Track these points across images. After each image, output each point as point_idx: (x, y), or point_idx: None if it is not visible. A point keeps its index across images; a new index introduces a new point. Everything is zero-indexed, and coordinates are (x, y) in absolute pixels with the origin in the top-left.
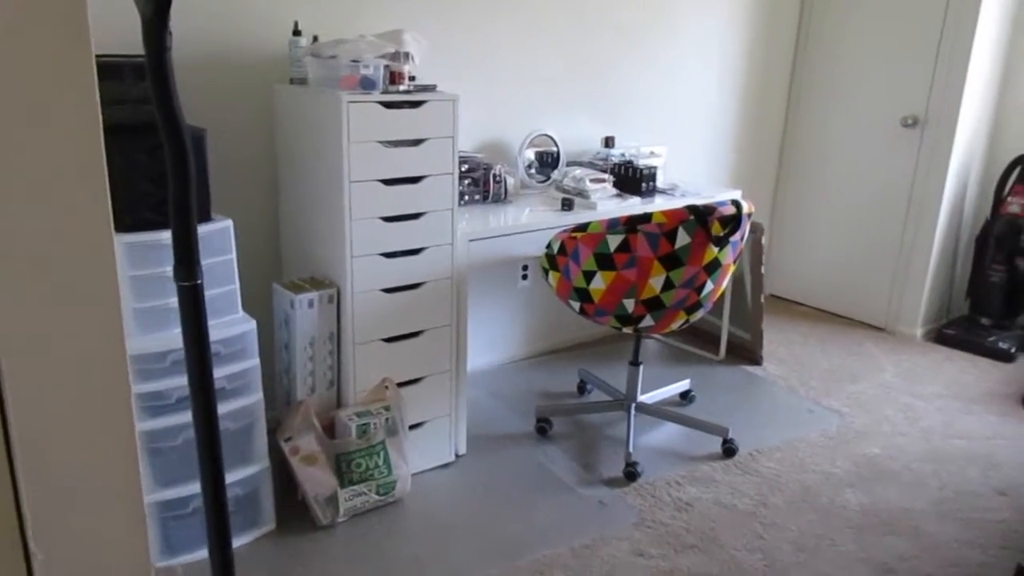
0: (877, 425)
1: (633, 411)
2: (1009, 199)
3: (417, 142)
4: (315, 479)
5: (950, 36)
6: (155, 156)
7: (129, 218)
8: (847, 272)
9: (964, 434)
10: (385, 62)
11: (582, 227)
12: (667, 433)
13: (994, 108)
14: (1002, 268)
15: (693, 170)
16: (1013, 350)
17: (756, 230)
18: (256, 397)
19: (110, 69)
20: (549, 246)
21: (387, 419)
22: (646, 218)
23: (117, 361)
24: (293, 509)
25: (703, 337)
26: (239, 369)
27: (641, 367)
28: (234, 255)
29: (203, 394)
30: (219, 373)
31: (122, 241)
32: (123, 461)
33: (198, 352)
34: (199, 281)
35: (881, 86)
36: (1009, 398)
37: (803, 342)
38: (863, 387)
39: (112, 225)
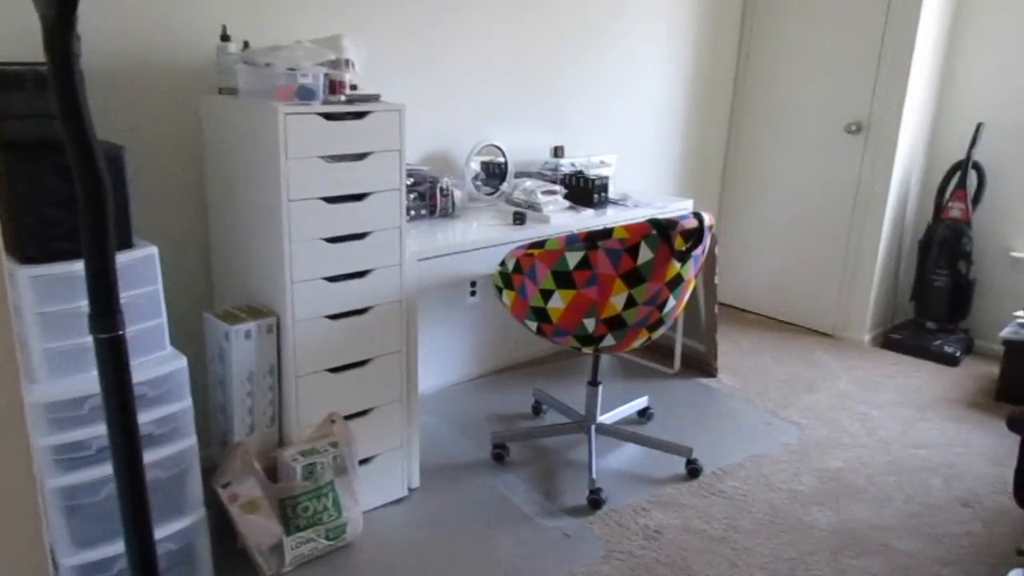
0: (837, 436)
1: (593, 434)
2: (950, 204)
3: (361, 156)
4: (257, 527)
5: (891, 43)
6: (65, 177)
7: (35, 248)
8: (794, 279)
9: (922, 443)
10: (325, 70)
11: (539, 244)
12: (628, 454)
13: (933, 114)
14: (945, 272)
15: (642, 179)
16: (958, 354)
17: (711, 240)
18: (189, 442)
19: (9, 79)
20: (503, 264)
21: (335, 457)
22: (607, 233)
23: (12, 410)
24: (233, 560)
25: (657, 350)
26: (168, 412)
27: (600, 387)
28: (160, 285)
29: (127, 460)
30: (146, 417)
31: (28, 274)
32: (25, 525)
33: (121, 413)
34: (121, 332)
35: (825, 93)
36: (958, 403)
37: (755, 351)
38: (819, 397)
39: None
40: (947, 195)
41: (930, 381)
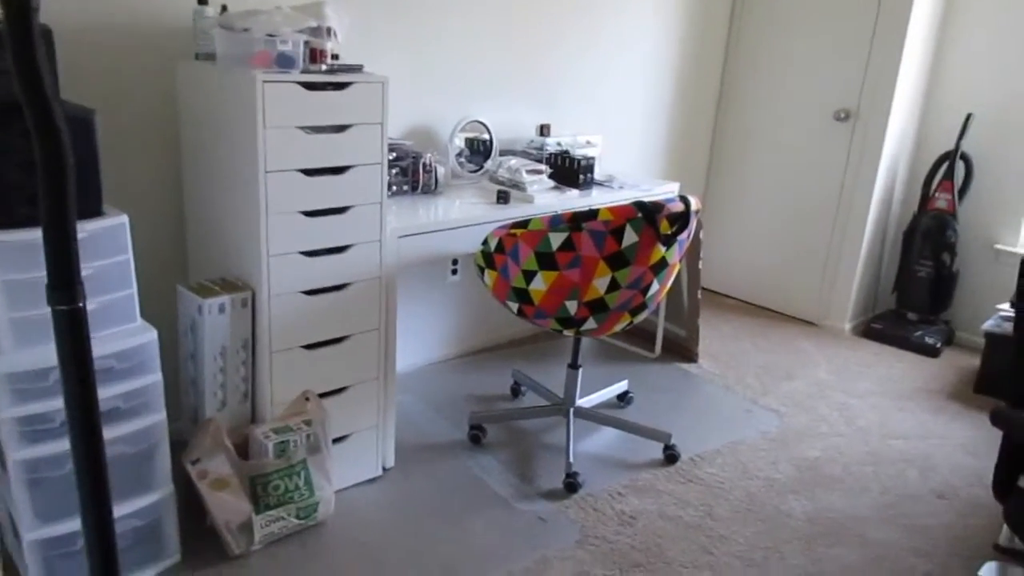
0: (815, 425)
1: (572, 417)
2: (936, 195)
3: (342, 128)
4: (226, 505)
5: (883, 29)
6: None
7: (1, 215)
8: (777, 266)
9: (899, 433)
10: (305, 37)
11: (522, 224)
12: (606, 438)
13: (923, 104)
14: (929, 263)
15: (628, 161)
16: (938, 345)
17: (696, 225)
18: (158, 417)
19: None
20: (485, 243)
21: (308, 435)
22: (591, 215)
23: None
24: (201, 538)
25: (638, 334)
26: (137, 386)
27: (580, 370)
28: (130, 255)
29: (85, 435)
30: (114, 391)
31: None
32: None
33: (79, 387)
34: (80, 304)
35: (814, 79)
36: (937, 394)
37: (736, 337)
38: (798, 385)
39: None
40: (934, 186)
41: (910, 372)
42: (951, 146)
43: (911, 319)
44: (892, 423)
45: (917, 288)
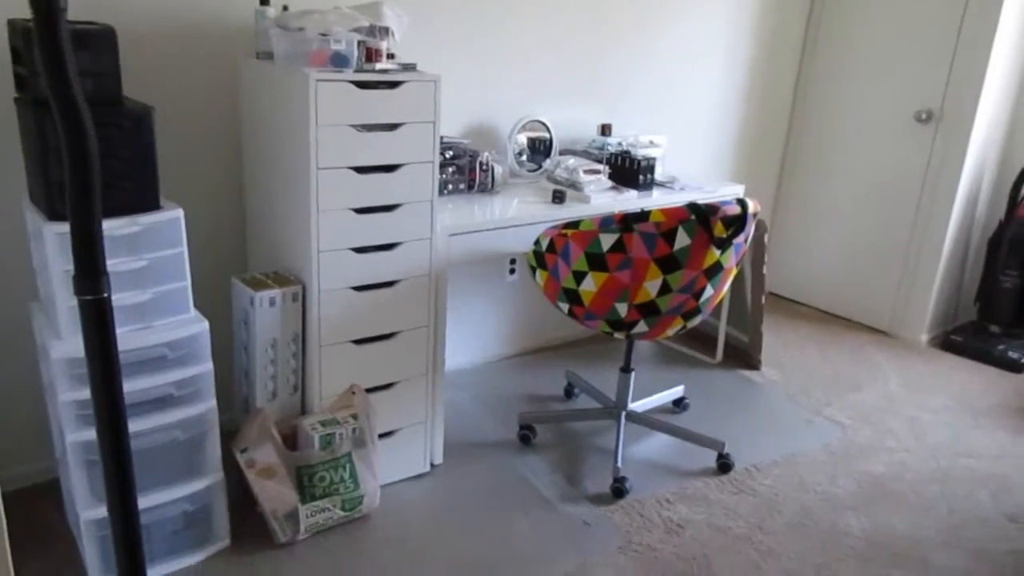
0: (881, 439)
1: (623, 420)
2: None
3: (394, 126)
4: (273, 494)
5: (971, 26)
6: (101, 136)
7: (64, 205)
8: (850, 272)
9: (972, 452)
10: (360, 37)
11: (573, 224)
12: (658, 444)
13: (1013, 105)
14: (1015, 274)
15: (693, 162)
16: (1023, 360)
17: (759, 228)
18: (208, 405)
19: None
20: (537, 243)
21: (354, 429)
22: (643, 216)
23: None
24: (251, 524)
25: (699, 338)
26: (189, 375)
27: (633, 374)
28: (184, 248)
29: (110, 423)
30: (167, 379)
31: (54, 231)
32: None
33: (104, 376)
34: (105, 295)
35: (895, 77)
36: (1018, 412)
37: (802, 345)
38: (866, 396)
39: None
40: (1023, 192)
41: (989, 387)
42: None
43: (994, 332)
44: (965, 441)
45: (1002, 299)
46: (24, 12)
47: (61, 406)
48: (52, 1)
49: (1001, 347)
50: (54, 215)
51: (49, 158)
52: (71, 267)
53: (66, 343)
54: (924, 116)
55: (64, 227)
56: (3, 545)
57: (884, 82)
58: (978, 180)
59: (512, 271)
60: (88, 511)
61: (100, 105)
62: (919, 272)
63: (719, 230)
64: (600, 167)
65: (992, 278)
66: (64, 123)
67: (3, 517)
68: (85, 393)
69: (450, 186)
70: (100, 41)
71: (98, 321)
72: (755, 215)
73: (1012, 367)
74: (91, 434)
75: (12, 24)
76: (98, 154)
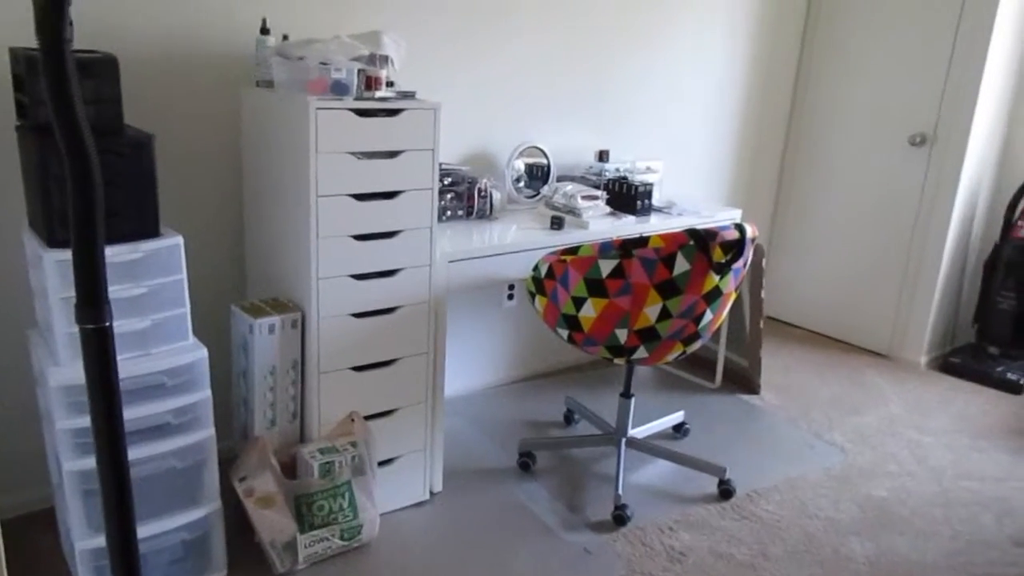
0: (883, 463)
1: (623, 447)
2: (1020, 223)
3: (393, 154)
4: (272, 523)
5: (962, 51)
6: (102, 163)
7: (64, 232)
8: (848, 295)
9: (975, 475)
10: (359, 65)
11: (572, 250)
12: (659, 471)
13: (1006, 127)
14: (1012, 295)
15: (690, 187)
16: (1022, 381)
17: (757, 252)
18: (207, 433)
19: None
20: (536, 268)
21: (353, 456)
22: (642, 242)
23: None
24: (248, 553)
25: (698, 363)
26: (188, 402)
27: (633, 399)
28: (184, 275)
29: (110, 451)
30: (165, 407)
31: (53, 258)
32: None
33: (105, 404)
34: (107, 323)
35: (888, 102)
36: (1019, 434)
37: (802, 369)
38: (867, 420)
39: None
40: (1017, 213)
41: (989, 409)
42: None
43: (992, 353)
44: (967, 463)
45: (999, 321)
46: (24, 40)
47: (58, 434)
48: (58, 32)
49: (1000, 368)
50: (54, 242)
51: (49, 185)
52: (70, 294)
53: (64, 370)
54: (918, 140)
55: (63, 254)
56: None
57: (878, 106)
58: (973, 202)
59: (511, 297)
60: (84, 541)
61: (101, 133)
62: (916, 294)
63: (718, 255)
64: (598, 193)
65: (989, 300)
66: (68, 152)
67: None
68: (83, 421)
69: (449, 212)
70: (102, 69)
71: (99, 350)
72: (753, 240)
73: (1011, 388)
74: (88, 463)
75: (14, 52)
76: (101, 182)
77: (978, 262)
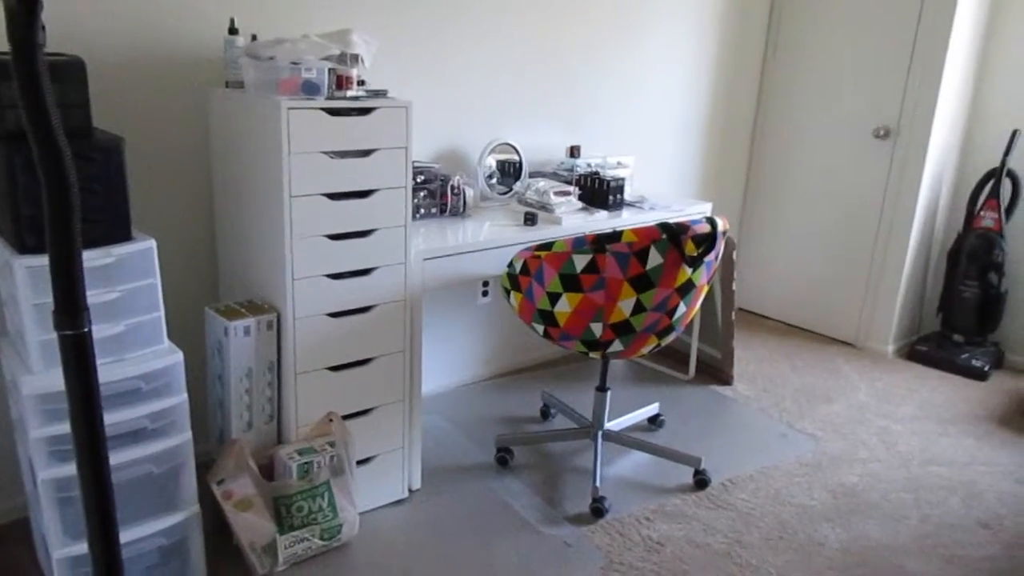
0: (853, 450)
1: (600, 440)
2: (981, 213)
3: (366, 152)
4: (251, 526)
5: (923, 46)
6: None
7: (34, 238)
8: (816, 286)
9: (942, 460)
10: (330, 65)
11: (546, 245)
12: (635, 462)
13: (966, 120)
14: (975, 283)
15: (661, 181)
16: (986, 368)
17: (728, 245)
18: (183, 437)
19: (5, 68)
20: (511, 265)
21: (332, 456)
22: (615, 237)
23: None
24: (228, 556)
25: (671, 356)
26: (164, 407)
27: (608, 392)
28: (158, 279)
29: (91, 459)
30: (141, 411)
31: (24, 264)
32: None
33: (85, 411)
34: (86, 329)
35: (853, 96)
36: (984, 419)
37: (772, 359)
38: (837, 408)
39: None
40: (979, 204)
41: (955, 396)
42: (997, 163)
43: (957, 341)
44: (935, 449)
45: (963, 309)
46: None
47: (32, 443)
48: (30, 36)
49: (964, 356)
50: (24, 249)
51: (18, 192)
52: (41, 300)
53: (37, 378)
54: (882, 132)
55: (34, 260)
56: None
57: (842, 100)
58: (936, 193)
59: (485, 293)
60: (60, 550)
61: (70, 137)
62: (883, 284)
63: (690, 248)
64: (570, 188)
65: (953, 289)
66: (43, 157)
67: None
68: (58, 428)
69: (422, 210)
70: (69, 73)
71: (79, 356)
72: (724, 233)
73: (977, 375)
74: (64, 471)
75: None
76: (75, 190)
77: (942, 252)
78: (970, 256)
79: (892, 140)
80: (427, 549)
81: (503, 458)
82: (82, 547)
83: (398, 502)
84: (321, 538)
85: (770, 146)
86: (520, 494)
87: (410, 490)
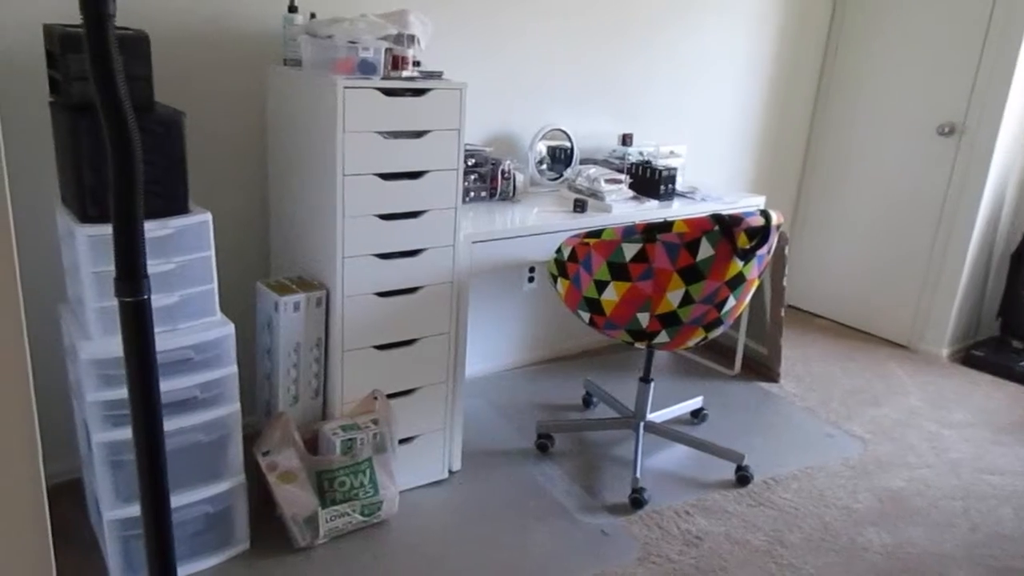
0: (902, 455)
1: (641, 431)
2: None
3: (420, 134)
4: (293, 498)
5: (995, 39)
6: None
7: (96, 208)
8: (870, 285)
9: (995, 468)
10: (387, 45)
11: (595, 233)
12: (677, 456)
13: None
14: None
15: (713, 172)
16: None
17: (780, 240)
18: (232, 408)
19: (74, 41)
20: (559, 251)
21: (375, 434)
22: (666, 226)
23: (15, 364)
24: (270, 527)
25: (717, 350)
26: (214, 377)
27: (652, 384)
28: (212, 252)
29: (146, 423)
30: (192, 381)
31: (85, 233)
32: (23, 491)
33: (142, 376)
34: (145, 296)
35: (917, 91)
36: None
37: (822, 358)
38: (886, 411)
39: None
40: None
41: (1011, 403)
42: None
43: (1016, 347)
44: (988, 457)
45: None
46: (57, 18)
47: (88, 407)
48: (102, 6)
49: (1023, 363)
50: (86, 217)
51: (82, 162)
52: (102, 268)
53: (95, 344)
54: (947, 130)
55: (96, 229)
56: (47, 543)
57: (906, 95)
58: (1001, 193)
59: (531, 279)
60: (112, 511)
61: (134, 110)
62: (940, 286)
63: (742, 241)
64: (621, 176)
65: (1014, 292)
66: (111, 128)
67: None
68: (112, 394)
69: (472, 194)
70: (134, 47)
71: (138, 323)
72: (778, 227)
73: None
74: (118, 434)
75: (48, 29)
76: (140, 165)
77: (1004, 254)
78: None
79: (957, 137)
80: (464, 530)
81: (543, 444)
82: (133, 509)
83: (438, 482)
84: (362, 514)
85: (827, 140)
86: (559, 481)
87: (450, 471)
